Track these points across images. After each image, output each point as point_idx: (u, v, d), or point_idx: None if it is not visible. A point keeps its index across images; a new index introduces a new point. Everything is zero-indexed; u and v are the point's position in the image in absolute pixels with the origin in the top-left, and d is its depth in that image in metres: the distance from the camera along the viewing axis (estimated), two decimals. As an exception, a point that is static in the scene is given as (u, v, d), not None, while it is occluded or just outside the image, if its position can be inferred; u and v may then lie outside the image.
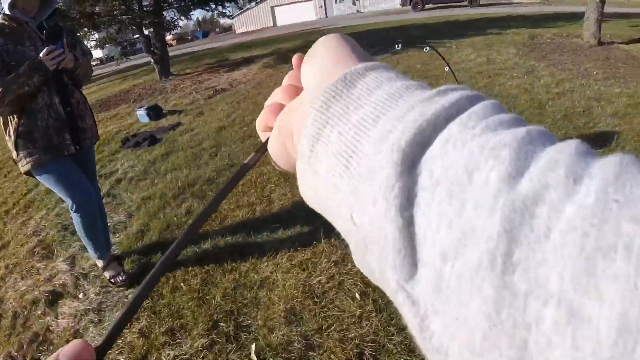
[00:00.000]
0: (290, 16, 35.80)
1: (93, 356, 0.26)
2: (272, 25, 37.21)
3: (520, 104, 4.98)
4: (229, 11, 14.77)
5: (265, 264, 2.64)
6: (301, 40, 13.88)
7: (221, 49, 17.40)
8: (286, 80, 0.37)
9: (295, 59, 0.37)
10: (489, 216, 0.17)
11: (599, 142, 3.93)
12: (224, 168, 4.23)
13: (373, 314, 2.14)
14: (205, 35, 45.08)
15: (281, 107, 0.34)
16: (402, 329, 1.98)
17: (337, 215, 0.24)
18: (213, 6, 12.55)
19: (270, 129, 0.34)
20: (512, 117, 0.21)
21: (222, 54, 14.87)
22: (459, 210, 0.18)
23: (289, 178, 3.70)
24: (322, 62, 0.30)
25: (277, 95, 0.36)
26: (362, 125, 0.23)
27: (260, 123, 0.36)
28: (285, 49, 12.55)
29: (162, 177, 4.22)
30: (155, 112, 6.69)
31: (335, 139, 0.24)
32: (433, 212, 0.19)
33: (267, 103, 0.36)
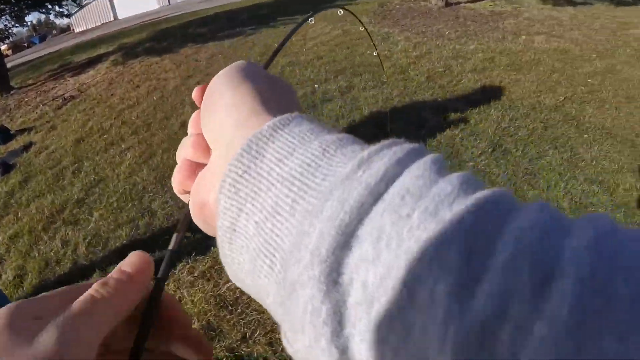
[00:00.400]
0: (131, 8, 33.62)
1: (151, 266, 0.30)
2: (113, 19, 34.65)
3: (385, 73, 4.86)
4: (67, 10, 13.20)
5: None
6: (147, 32, 12.80)
7: (63, 52, 15.54)
8: (191, 127, 0.33)
9: (195, 94, 0.33)
10: (440, 349, 0.15)
11: (465, 98, 3.94)
12: (92, 185, 3.82)
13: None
14: (43, 39, 40.58)
15: (195, 166, 0.30)
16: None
17: (276, 319, 0.22)
18: (49, 7, 11.19)
19: (188, 192, 0.31)
20: (456, 184, 0.18)
21: (65, 57, 13.24)
22: (404, 338, 0.16)
23: (166, 183, 3.49)
24: (223, 114, 0.27)
25: (187, 151, 0.31)
26: (278, 214, 0.21)
27: (176, 185, 0.32)
28: (132, 43, 11.46)
29: (26, 209, 3.70)
30: (2, 135, 5.85)
31: (253, 230, 0.22)
32: (373, 339, 0.17)
33: (178, 155, 0.32)
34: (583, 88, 3.95)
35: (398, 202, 0.18)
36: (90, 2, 34.16)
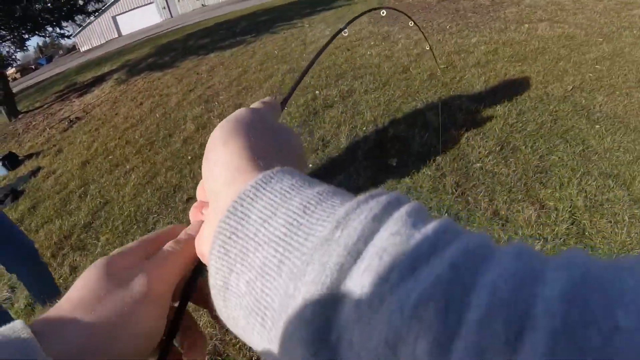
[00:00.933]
0: (134, 23, 34.10)
1: None
2: (117, 36, 35.03)
3: (385, 72, 4.84)
4: (68, 31, 13.38)
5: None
6: (150, 47, 12.88)
7: (69, 72, 15.77)
8: (199, 193, 0.37)
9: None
10: None
11: (469, 95, 3.84)
12: (98, 208, 3.83)
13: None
14: (50, 60, 41.23)
15: (202, 205, 0.36)
16: None
17: None
18: (50, 29, 11.37)
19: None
20: (432, 238, 0.20)
21: (71, 77, 13.41)
22: None
23: (169, 203, 3.45)
24: (215, 171, 0.29)
25: (198, 191, 0.37)
26: (267, 274, 0.22)
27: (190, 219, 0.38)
28: (135, 59, 11.55)
29: (35, 235, 3.69)
30: (11, 161, 5.90)
31: (244, 289, 0.23)
32: None
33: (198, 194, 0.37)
34: (591, 75, 3.80)
35: (377, 263, 0.19)
36: (93, 21, 34.53)
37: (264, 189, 0.24)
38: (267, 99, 0.40)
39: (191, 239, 0.35)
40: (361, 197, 0.24)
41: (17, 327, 0.27)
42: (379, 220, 0.21)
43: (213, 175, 0.29)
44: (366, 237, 0.20)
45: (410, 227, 0.20)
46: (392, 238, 0.19)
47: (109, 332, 0.29)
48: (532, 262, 0.18)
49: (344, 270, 0.19)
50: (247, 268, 0.23)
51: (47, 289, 2.43)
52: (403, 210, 0.21)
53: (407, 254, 0.19)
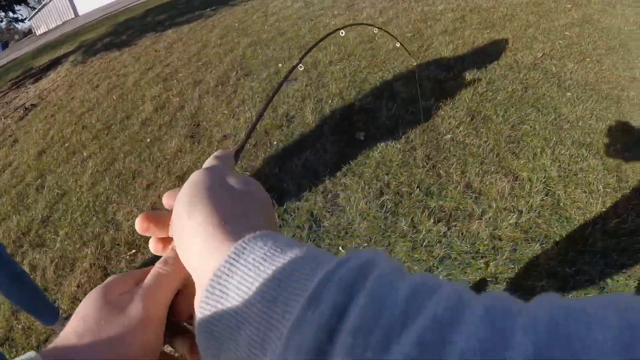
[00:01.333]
0: (91, 1, 32.39)
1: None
2: (74, 16, 33.35)
3: (350, 42, 4.66)
4: (21, 14, 12.55)
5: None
6: (107, 26, 12.19)
7: (24, 57, 14.82)
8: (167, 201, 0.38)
9: (165, 200, 0.37)
10: None
11: (438, 63, 3.71)
12: (56, 200, 3.58)
13: None
14: (5, 46, 38.97)
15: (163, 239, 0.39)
16: None
17: None
18: (2, 14, 10.59)
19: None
20: (403, 307, 0.20)
21: (27, 62, 12.58)
22: None
23: (129, 190, 3.29)
24: (186, 243, 0.31)
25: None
26: (254, 354, 0.23)
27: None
28: (92, 39, 10.90)
29: None
30: None
31: None
32: None
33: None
34: (561, 42, 3.70)
35: (351, 342, 0.19)
36: (48, 3, 32.78)
37: (237, 262, 0.25)
38: (219, 152, 0.40)
39: (178, 257, 0.35)
40: (331, 265, 0.24)
41: (32, 356, 0.29)
42: (349, 292, 0.21)
43: (184, 248, 0.31)
44: (339, 313, 0.21)
45: (380, 297, 0.21)
46: (363, 313, 0.20)
47: (114, 355, 0.31)
48: (501, 323, 0.18)
49: (320, 351, 0.20)
50: (234, 347, 0.23)
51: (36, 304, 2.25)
52: (373, 278, 0.22)
53: (378, 332, 0.19)
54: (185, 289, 0.37)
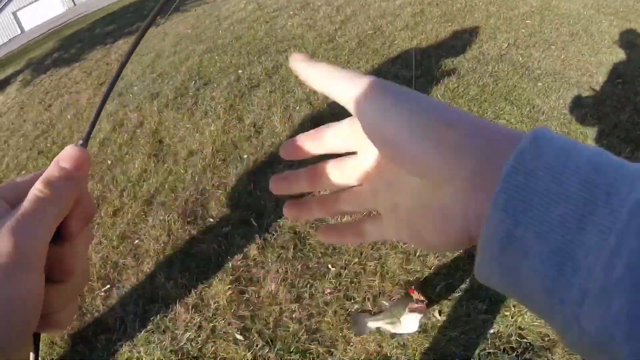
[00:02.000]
0: (37, 17, 31.19)
1: (89, 161, 0.30)
2: (20, 32, 32.02)
3: (310, 42, 4.53)
4: None
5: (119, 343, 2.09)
6: (54, 41, 11.62)
7: None
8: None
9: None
10: None
11: (403, 60, 3.61)
12: None
13: (266, 349, 1.84)
14: (-51, 69, 37.00)
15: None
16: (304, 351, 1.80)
17: (548, 316, 0.22)
18: None
19: None
20: None
21: None
22: None
23: (94, 219, 2.78)
24: (422, 121, 0.25)
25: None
26: (567, 228, 0.20)
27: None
28: (39, 56, 10.34)
29: None
30: None
31: (532, 242, 0.21)
32: None
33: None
34: (524, 31, 3.69)
35: None
36: (-8, 20, 31.33)
37: (539, 143, 0.22)
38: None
39: (65, 175, 0.29)
40: None
41: None
42: None
43: (418, 122, 0.25)
44: None
45: None
46: None
47: None
48: None
49: None
50: (539, 222, 0.21)
51: None
52: None
53: None
54: (76, 207, 0.30)
